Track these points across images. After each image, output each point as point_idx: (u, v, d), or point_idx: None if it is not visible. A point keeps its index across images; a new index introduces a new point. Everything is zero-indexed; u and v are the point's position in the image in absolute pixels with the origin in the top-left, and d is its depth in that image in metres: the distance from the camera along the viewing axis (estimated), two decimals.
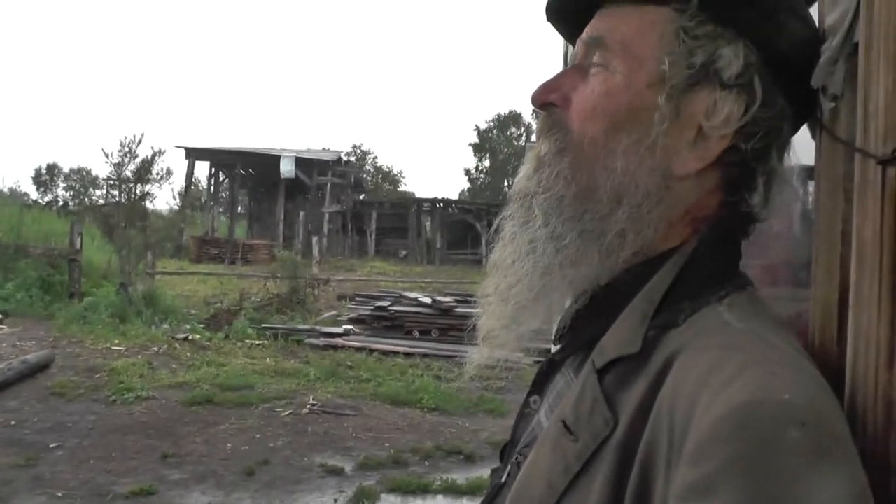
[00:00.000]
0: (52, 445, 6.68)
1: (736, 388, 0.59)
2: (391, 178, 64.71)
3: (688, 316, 0.72)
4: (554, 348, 0.89)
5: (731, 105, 0.75)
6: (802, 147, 0.89)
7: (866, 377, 0.68)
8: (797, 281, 1.04)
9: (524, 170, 0.84)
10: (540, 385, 0.88)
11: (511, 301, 0.83)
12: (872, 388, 0.67)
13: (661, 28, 0.77)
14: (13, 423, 7.30)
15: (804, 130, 0.87)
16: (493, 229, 0.86)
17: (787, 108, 0.79)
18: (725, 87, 0.75)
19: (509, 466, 0.86)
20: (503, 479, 0.86)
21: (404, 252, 37.17)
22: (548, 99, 0.83)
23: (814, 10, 0.85)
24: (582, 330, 0.83)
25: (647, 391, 0.67)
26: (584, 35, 0.83)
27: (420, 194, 48.15)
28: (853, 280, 0.72)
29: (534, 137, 0.85)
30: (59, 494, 5.59)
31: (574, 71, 0.83)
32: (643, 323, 0.73)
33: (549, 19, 0.90)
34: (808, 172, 0.90)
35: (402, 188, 61.83)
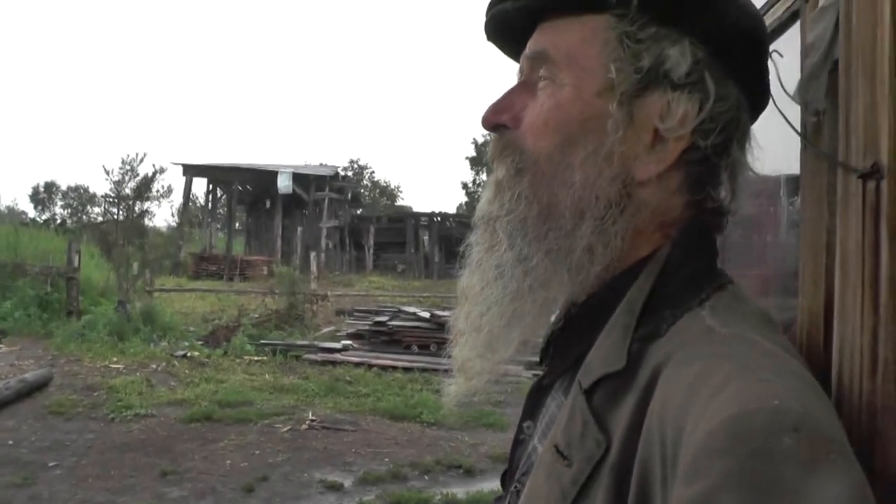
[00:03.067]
0: (50, 464, 6.66)
1: (724, 398, 0.58)
2: (388, 193, 64.77)
3: (670, 324, 0.71)
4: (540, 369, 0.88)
5: (685, 105, 0.74)
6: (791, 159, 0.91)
7: (851, 385, 0.69)
8: (790, 290, 1.06)
9: (485, 195, 0.83)
10: (531, 409, 0.86)
11: (484, 329, 0.81)
12: (857, 397, 0.68)
13: (603, 35, 0.76)
14: (10, 442, 7.27)
15: (792, 142, 0.88)
16: (459, 256, 0.85)
17: (742, 98, 0.78)
18: (677, 88, 0.74)
19: (509, 496, 0.85)
20: None
21: (402, 266, 37.11)
22: (499, 120, 0.82)
23: (796, 29, 0.87)
24: (566, 350, 0.81)
25: (636, 407, 0.66)
26: (527, 51, 0.82)
27: (417, 208, 48.02)
28: (837, 290, 0.73)
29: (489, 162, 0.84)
30: None
31: (521, 88, 0.82)
32: (626, 337, 0.71)
33: (489, 39, 0.89)
34: (796, 183, 0.92)
35: (399, 202, 61.83)
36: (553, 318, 0.85)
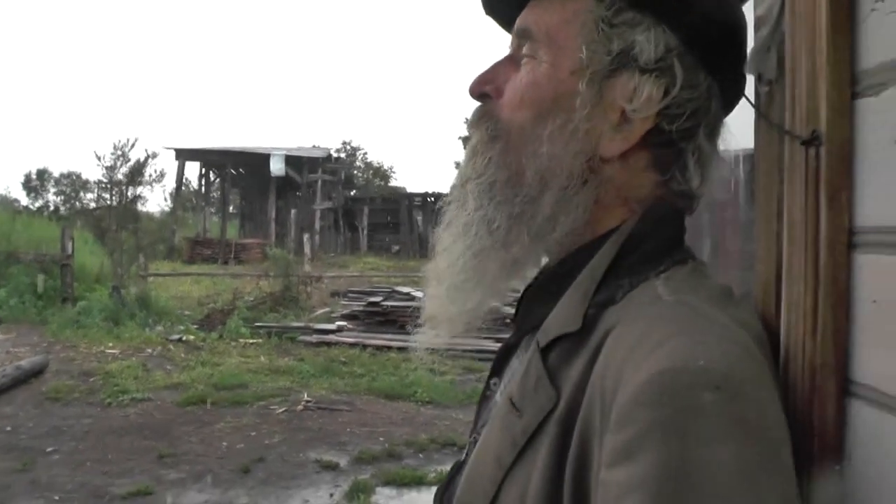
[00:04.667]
0: (48, 450, 6.70)
1: (657, 356, 0.62)
2: (382, 174, 64.56)
3: (626, 292, 0.76)
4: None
5: (651, 88, 0.77)
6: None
7: (796, 346, 0.72)
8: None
9: (463, 159, 0.88)
10: (498, 368, 0.91)
11: (445, 282, 0.86)
12: (800, 356, 0.71)
13: (582, 17, 0.80)
14: (9, 428, 7.30)
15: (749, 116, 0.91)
16: (435, 214, 0.90)
17: (715, 87, 0.81)
18: (645, 72, 0.78)
19: (468, 446, 0.90)
20: (463, 458, 0.90)
21: (397, 247, 37.14)
22: (483, 90, 0.86)
23: (749, 5, 0.89)
24: (531, 312, 0.86)
25: (585, 366, 0.71)
26: (515, 27, 0.86)
27: (411, 189, 47.99)
28: (785, 256, 0.76)
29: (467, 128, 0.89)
30: (57, 498, 5.61)
31: (507, 61, 0.87)
32: (584, 301, 0.76)
33: (487, 13, 0.93)
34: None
35: (393, 183, 61.65)
36: (519, 280, 0.89)
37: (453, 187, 0.88)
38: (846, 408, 0.68)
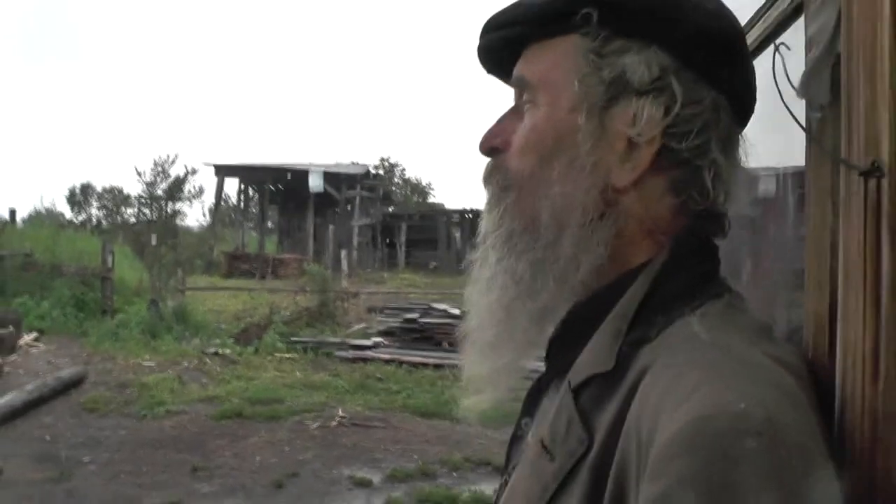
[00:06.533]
0: (84, 460, 6.78)
1: (693, 402, 0.59)
2: (420, 190, 64.86)
3: (661, 330, 0.72)
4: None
5: (650, 109, 0.76)
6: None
7: (853, 391, 0.67)
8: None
9: (482, 215, 0.87)
10: (529, 408, 0.89)
11: (478, 342, 0.85)
12: (860, 403, 0.66)
13: (571, 54, 0.79)
14: (48, 438, 7.41)
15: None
16: (466, 269, 0.89)
17: (721, 99, 0.78)
18: (642, 95, 0.76)
19: (500, 488, 0.88)
20: (495, 499, 0.88)
21: (434, 263, 37.20)
22: (492, 144, 0.86)
23: (800, 23, 0.85)
24: (562, 352, 0.83)
25: (619, 409, 0.68)
26: (512, 79, 0.86)
27: (449, 205, 48.11)
28: (840, 293, 0.71)
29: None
30: None
31: (512, 113, 0.86)
32: (617, 340, 0.73)
33: (488, 73, 0.93)
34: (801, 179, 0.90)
35: (430, 200, 61.89)
36: (551, 326, 0.87)
37: (477, 245, 0.87)
38: None
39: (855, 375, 0.67)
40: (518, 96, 0.86)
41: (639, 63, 0.76)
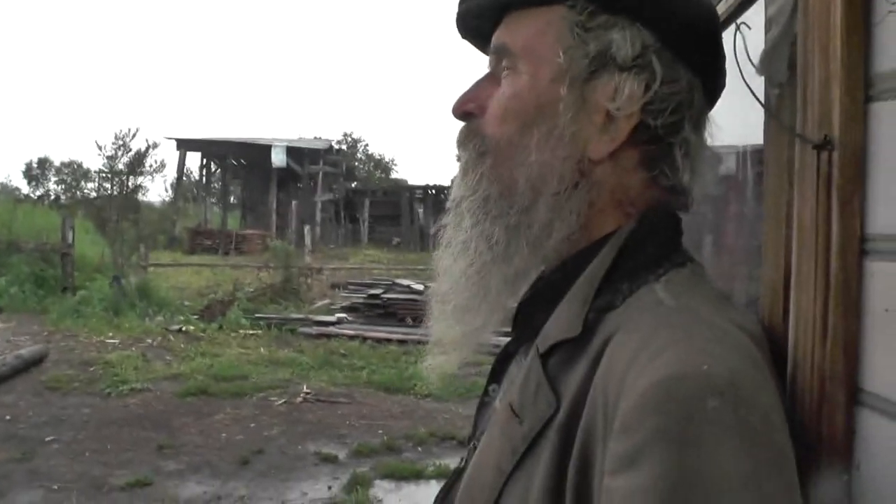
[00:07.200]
0: (47, 439, 6.70)
1: (660, 363, 0.62)
2: (383, 166, 64.58)
3: (626, 297, 0.75)
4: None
5: (631, 85, 0.78)
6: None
7: (805, 354, 0.71)
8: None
9: (455, 179, 0.89)
10: (497, 373, 0.91)
11: (450, 303, 0.87)
12: (810, 364, 0.70)
13: (557, 25, 0.80)
14: (8, 417, 7.31)
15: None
16: (434, 238, 0.91)
17: (696, 80, 0.81)
18: (624, 70, 0.78)
19: (467, 453, 0.90)
20: (462, 465, 0.90)
21: (397, 240, 37.13)
22: (466, 109, 0.87)
23: (760, 3, 0.88)
24: (530, 319, 0.85)
25: (586, 372, 0.70)
26: (491, 45, 0.87)
27: (412, 181, 48.01)
28: (794, 261, 0.75)
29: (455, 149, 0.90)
30: (56, 487, 5.61)
31: (488, 78, 0.87)
32: (583, 307, 0.76)
33: (463, 36, 0.94)
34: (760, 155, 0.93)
35: (394, 176, 61.69)
36: (522, 291, 0.89)
37: (448, 210, 0.88)
38: (855, 417, 0.67)
39: (806, 338, 0.71)
40: (496, 63, 0.87)
41: (623, 39, 0.78)
